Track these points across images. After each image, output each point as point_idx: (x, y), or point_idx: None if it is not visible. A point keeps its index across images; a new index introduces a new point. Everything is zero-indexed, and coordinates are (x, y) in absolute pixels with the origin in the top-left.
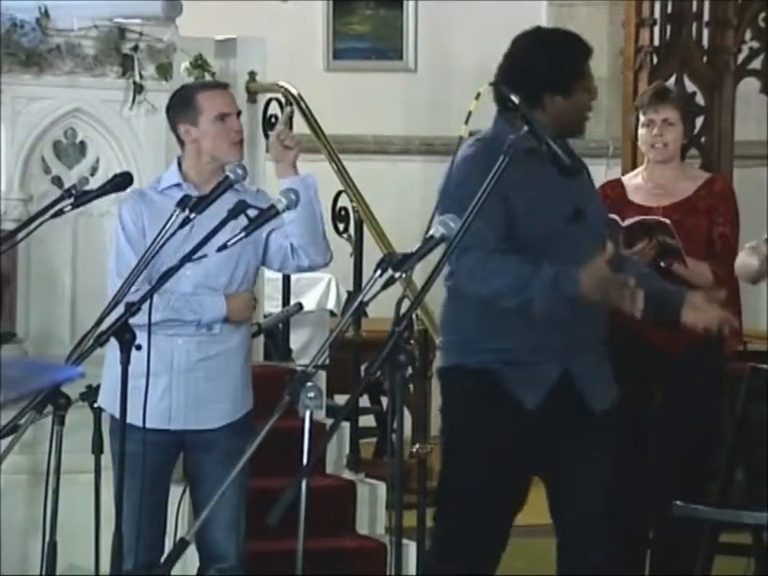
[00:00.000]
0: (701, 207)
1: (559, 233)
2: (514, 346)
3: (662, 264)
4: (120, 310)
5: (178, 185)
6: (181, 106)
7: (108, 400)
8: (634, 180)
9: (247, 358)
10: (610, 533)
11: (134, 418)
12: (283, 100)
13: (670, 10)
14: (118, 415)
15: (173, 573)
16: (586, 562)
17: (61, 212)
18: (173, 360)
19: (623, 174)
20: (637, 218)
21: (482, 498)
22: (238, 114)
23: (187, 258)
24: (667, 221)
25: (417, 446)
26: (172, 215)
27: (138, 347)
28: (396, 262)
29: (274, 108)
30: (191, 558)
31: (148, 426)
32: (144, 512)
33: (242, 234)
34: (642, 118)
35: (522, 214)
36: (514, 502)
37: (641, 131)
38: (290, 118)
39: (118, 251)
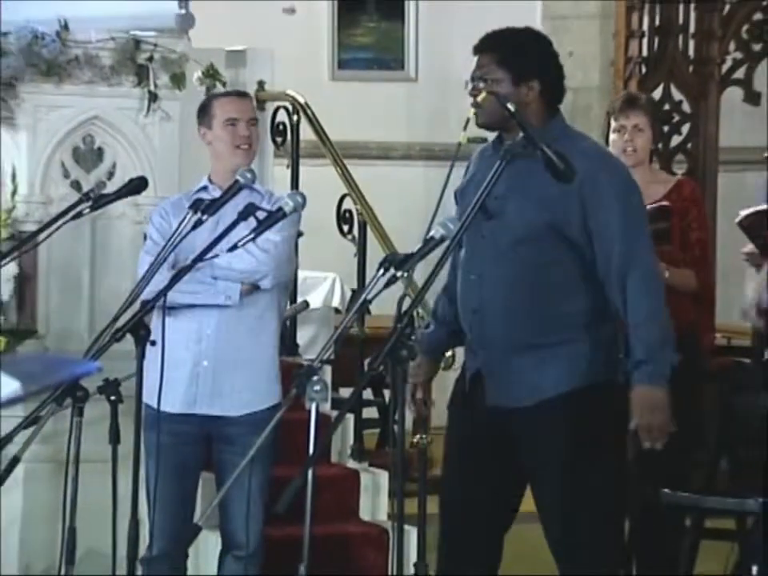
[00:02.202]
0: (673, 209)
1: (474, 226)
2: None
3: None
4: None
5: (204, 188)
6: (201, 111)
7: (146, 391)
8: None
9: (275, 355)
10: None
11: (166, 405)
12: (290, 108)
13: (657, 22)
14: (152, 404)
15: (197, 560)
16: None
17: (80, 214)
18: (201, 348)
19: None
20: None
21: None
22: (252, 121)
23: (199, 258)
24: (667, 203)
25: (417, 436)
26: (185, 217)
27: (153, 343)
28: (398, 262)
29: (281, 116)
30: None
31: (177, 411)
32: (170, 501)
33: (252, 236)
34: (613, 124)
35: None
36: (484, 497)
37: (612, 136)
38: None
39: (146, 251)
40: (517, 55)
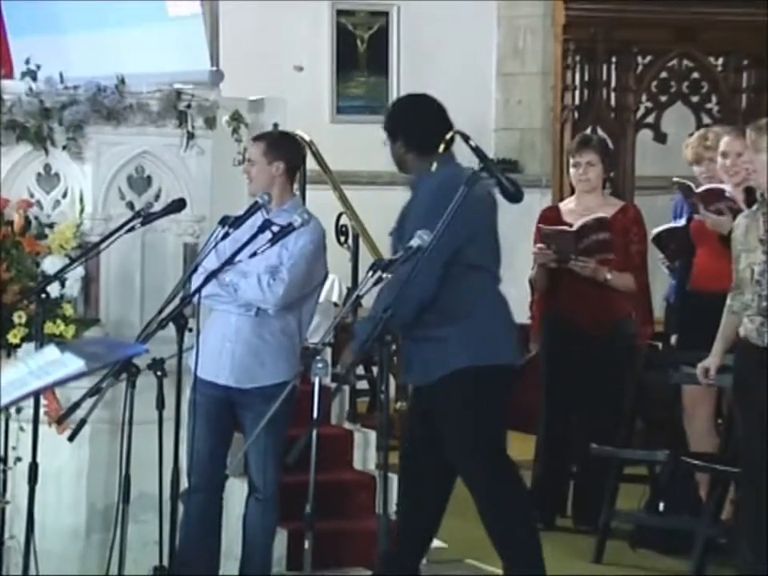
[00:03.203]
0: (617, 227)
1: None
2: None
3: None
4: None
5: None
6: None
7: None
8: (568, 206)
9: (286, 343)
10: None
11: (203, 374)
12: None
13: (586, 78)
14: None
15: (229, 501)
16: None
17: (132, 228)
18: (225, 332)
19: (552, 200)
20: (581, 222)
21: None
22: (250, 162)
23: (227, 262)
24: (605, 215)
25: (399, 403)
26: (214, 231)
27: (190, 330)
28: (383, 266)
29: None
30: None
31: (207, 378)
32: (203, 445)
33: (268, 245)
34: (571, 161)
35: None
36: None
37: (571, 170)
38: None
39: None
40: (389, 122)
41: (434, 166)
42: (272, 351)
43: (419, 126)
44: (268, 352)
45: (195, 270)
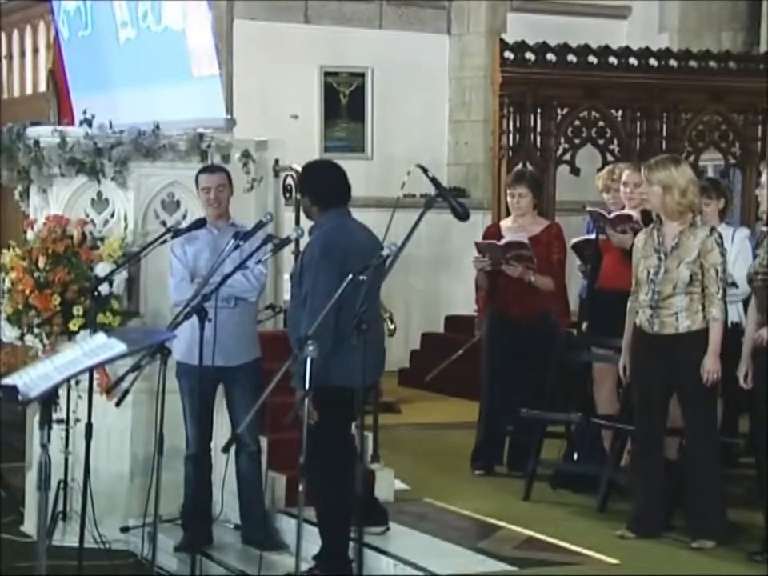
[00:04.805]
0: (543, 240)
1: None
2: None
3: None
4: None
5: (205, 227)
6: (195, 181)
7: (179, 351)
8: (507, 223)
9: (255, 327)
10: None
11: (193, 360)
12: (294, 175)
13: (518, 125)
14: (183, 360)
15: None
16: None
17: (165, 241)
18: (211, 324)
19: (492, 219)
20: (507, 239)
21: None
22: (220, 187)
23: (237, 268)
24: (525, 240)
25: None
26: (228, 243)
27: (210, 320)
28: (361, 269)
29: (289, 180)
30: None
31: (196, 363)
32: (198, 419)
33: (270, 254)
34: (508, 191)
35: None
36: None
37: (508, 198)
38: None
39: (173, 275)
40: (300, 181)
41: (324, 218)
42: (247, 335)
43: (321, 187)
44: (245, 336)
45: (211, 275)
